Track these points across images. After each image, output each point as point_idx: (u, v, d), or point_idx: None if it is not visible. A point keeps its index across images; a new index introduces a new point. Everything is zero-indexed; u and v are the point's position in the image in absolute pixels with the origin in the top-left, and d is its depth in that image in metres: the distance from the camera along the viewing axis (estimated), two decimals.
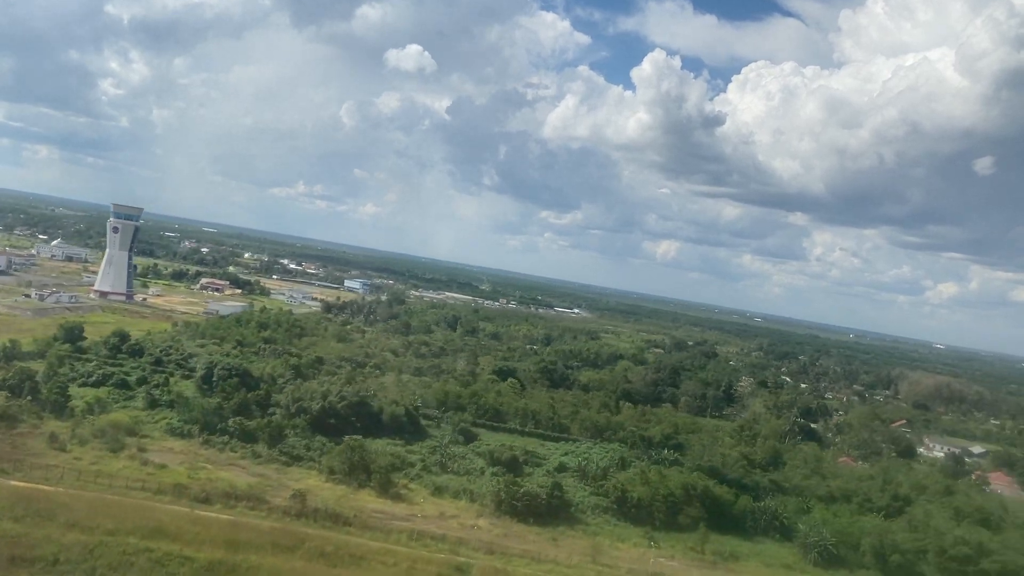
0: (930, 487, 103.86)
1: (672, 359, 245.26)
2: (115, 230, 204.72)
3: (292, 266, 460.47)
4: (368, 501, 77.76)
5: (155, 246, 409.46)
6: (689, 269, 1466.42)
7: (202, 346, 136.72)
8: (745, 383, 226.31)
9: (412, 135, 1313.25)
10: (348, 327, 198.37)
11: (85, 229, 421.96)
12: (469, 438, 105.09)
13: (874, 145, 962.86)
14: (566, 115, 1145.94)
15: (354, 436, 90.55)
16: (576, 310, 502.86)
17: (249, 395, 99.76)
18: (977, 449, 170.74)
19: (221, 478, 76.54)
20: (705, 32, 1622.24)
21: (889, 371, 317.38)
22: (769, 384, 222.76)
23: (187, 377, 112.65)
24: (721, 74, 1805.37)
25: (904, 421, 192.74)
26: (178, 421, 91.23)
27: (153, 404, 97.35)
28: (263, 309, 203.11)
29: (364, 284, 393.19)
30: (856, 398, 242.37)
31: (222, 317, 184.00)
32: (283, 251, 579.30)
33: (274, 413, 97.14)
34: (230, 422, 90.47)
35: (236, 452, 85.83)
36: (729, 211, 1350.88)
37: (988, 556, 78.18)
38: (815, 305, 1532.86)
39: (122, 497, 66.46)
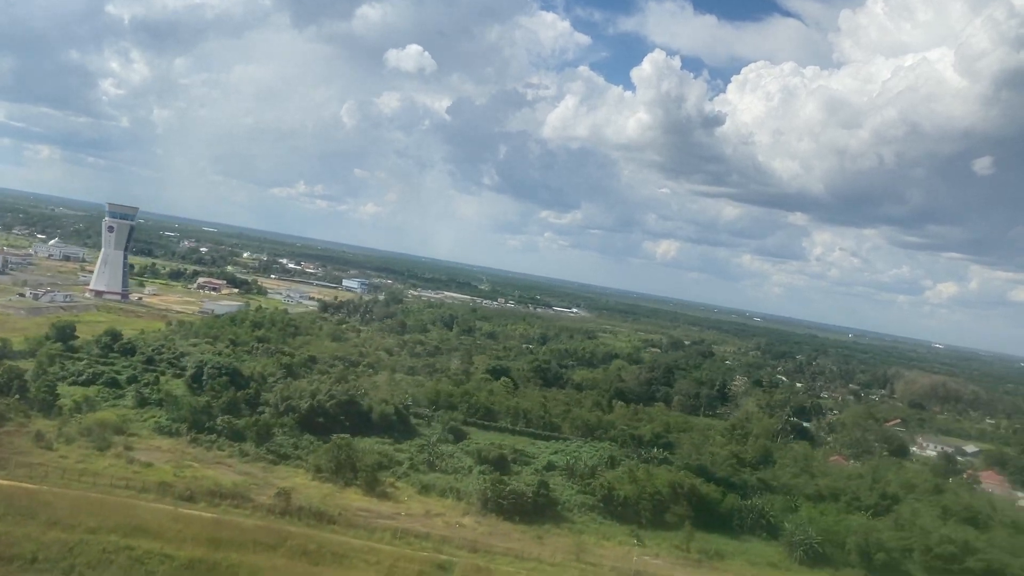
0: (919, 486, 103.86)
1: (667, 358, 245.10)
2: (110, 229, 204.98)
3: (291, 266, 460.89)
4: (354, 499, 77.85)
5: (154, 246, 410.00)
6: (689, 269, 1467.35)
7: (195, 345, 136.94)
8: (739, 382, 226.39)
9: (412, 135, 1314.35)
10: (343, 326, 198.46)
11: (84, 229, 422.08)
12: (459, 437, 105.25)
13: (874, 145, 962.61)
14: (566, 115, 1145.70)
15: (342, 435, 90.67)
16: (575, 310, 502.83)
17: (238, 394, 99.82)
18: (971, 448, 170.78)
19: (207, 476, 76.63)
20: (705, 32, 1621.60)
21: (885, 370, 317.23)
22: (764, 383, 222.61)
23: (178, 376, 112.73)
24: (721, 74, 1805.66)
25: (899, 420, 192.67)
26: (166, 420, 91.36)
27: (142, 403, 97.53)
28: (258, 308, 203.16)
29: (362, 284, 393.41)
30: (851, 397, 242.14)
31: (217, 316, 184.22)
32: (283, 251, 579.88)
33: (263, 412, 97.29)
34: (218, 420, 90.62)
35: (223, 450, 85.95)
36: (729, 211, 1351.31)
37: (973, 554, 78.43)
38: (815, 305, 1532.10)
39: (105, 495, 66.60)
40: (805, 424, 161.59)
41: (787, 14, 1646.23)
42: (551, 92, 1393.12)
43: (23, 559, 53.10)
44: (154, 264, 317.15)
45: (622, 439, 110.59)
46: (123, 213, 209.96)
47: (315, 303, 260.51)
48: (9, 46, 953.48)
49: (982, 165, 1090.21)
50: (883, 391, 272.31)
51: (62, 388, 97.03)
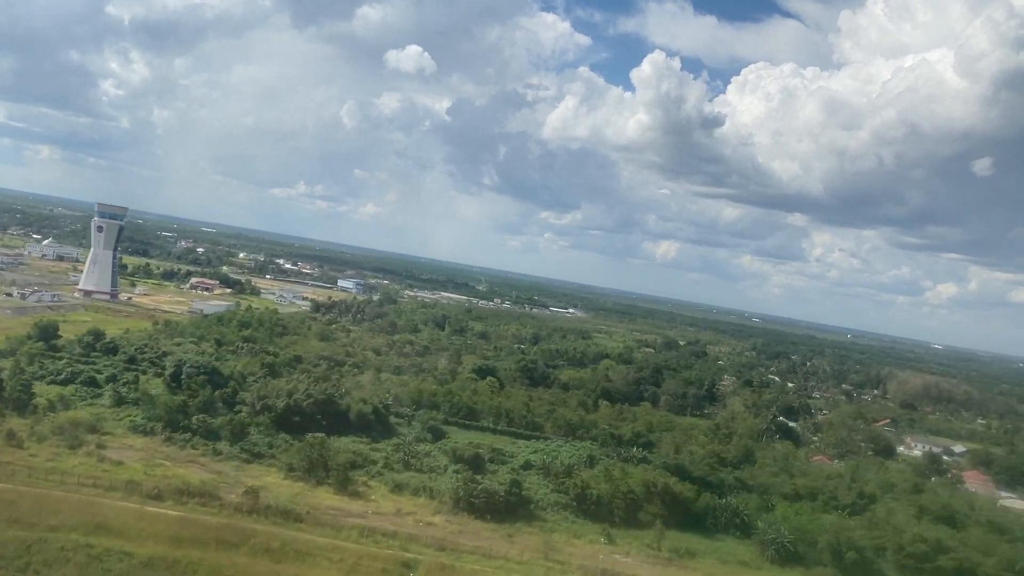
0: (898, 485, 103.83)
1: (658, 358, 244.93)
2: (99, 229, 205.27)
3: (287, 266, 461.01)
4: (325, 498, 77.70)
5: (150, 246, 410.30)
6: (688, 269, 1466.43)
7: (179, 344, 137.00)
8: (728, 382, 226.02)
9: (412, 135, 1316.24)
10: (333, 326, 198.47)
11: (81, 229, 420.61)
12: (438, 436, 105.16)
13: (873, 146, 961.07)
14: (566, 116, 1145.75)
15: (316, 434, 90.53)
16: (571, 310, 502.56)
17: (215, 393, 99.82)
18: (959, 448, 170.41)
19: (176, 475, 76.41)
20: (705, 33, 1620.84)
21: (879, 371, 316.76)
22: (754, 383, 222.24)
23: (159, 375, 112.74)
24: (721, 75, 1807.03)
25: (888, 420, 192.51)
26: (142, 419, 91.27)
27: (119, 402, 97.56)
28: (248, 308, 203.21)
29: (358, 284, 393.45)
30: (843, 397, 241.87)
31: (205, 316, 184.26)
32: (281, 251, 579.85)
33: (239, 411, 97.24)
34: (194, 419, 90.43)
35: (197, 449, 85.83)
36: (728, 212, 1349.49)
37: (946, 553, 78.13)
38: (814, 306, 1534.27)
39: (70, 494, 66.48)
40: (791, 424, 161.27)
41: (787, 15, 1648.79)
42: (551, 93, 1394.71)
43: None
44: (148, 264, 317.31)
45: (603, 438, 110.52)
46: (112, 213, 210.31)
47: (308, 303, 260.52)
48: (9, 46, 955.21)
49: (982, 166, 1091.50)
50: (876, 391, 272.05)
51: (39, 387, 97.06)
